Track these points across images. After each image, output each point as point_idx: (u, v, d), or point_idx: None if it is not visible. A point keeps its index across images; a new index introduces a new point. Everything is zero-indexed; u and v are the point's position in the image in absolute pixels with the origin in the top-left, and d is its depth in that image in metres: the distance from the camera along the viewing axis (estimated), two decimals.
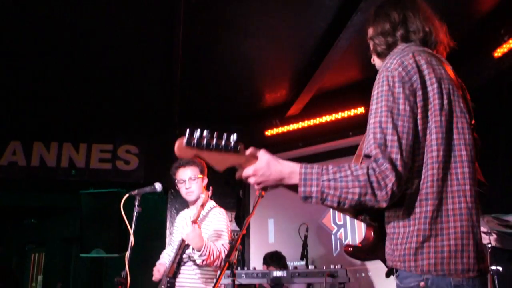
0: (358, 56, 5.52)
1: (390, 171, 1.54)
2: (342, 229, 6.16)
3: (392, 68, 1.68)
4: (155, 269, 3.82)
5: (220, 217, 3.77)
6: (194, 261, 3.63)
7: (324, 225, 6.30)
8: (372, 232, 1.81)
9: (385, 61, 1.75)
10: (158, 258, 6.55)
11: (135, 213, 3.52)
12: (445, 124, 1.65)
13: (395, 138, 1.58)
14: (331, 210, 6.25)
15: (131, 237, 3.44)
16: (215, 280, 3.31)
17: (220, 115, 6.97)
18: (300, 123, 6.69)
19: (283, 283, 3.52)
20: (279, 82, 6.32)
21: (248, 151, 1.65)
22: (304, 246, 4.77)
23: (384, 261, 1.88)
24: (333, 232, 6.23)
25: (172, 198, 6.89)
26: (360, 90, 6.21)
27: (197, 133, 1.55)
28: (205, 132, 1.56)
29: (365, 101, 6.27)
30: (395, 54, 1.76)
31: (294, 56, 5.68)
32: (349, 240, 6.05)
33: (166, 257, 4.03)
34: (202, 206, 3.51)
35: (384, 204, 1.56)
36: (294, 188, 1.66)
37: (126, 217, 3.51)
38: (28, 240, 11.34)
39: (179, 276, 3.62)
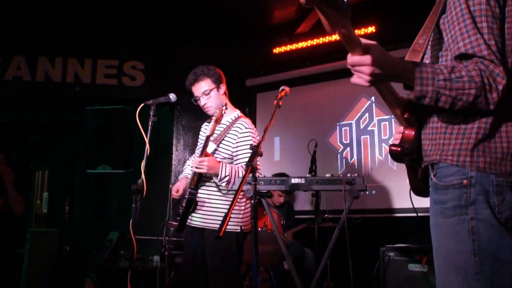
0: None
1: (500, 73, 1.53)
2: (348, 148, 6.22)
3: None
4: (173, 188, 3.73)
5: (245, 132, 3.58)
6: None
7: (330, 143, 6.36)
8: (413, 133, 1.80)
9: None
10: (164, 175, 6.73)
11: (150, 123, 3.54)
12: None
13: (499, 40, 1.57)
14: (337, 129, 6.29)
15: (147, 146, 3.47)
16: (236, 187, 3.34)
17: (228, 32, 6.83)
18: (310, 41, 6.54)
19: (301, 189, 3.57)
20: None
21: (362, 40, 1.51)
22: (313, 161, 4.82)
23: (414, 163, 1.89)
24: (339, 151, 6.30)
25: (178, 115, 6.88)
26: (372, 9, 6.05)
27: None
28: None
29: (377, 20, 6.15)
30: None
31: None
32: (354, 159, 6.14)
33: (188, 169, 3.94)
34: (217, 121, 3.44)
35: (492, 107, 1.55)
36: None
37: (141, 128, 3.52)
38: (32, 158, 11.42)
39: (200, 187, 3.59)
